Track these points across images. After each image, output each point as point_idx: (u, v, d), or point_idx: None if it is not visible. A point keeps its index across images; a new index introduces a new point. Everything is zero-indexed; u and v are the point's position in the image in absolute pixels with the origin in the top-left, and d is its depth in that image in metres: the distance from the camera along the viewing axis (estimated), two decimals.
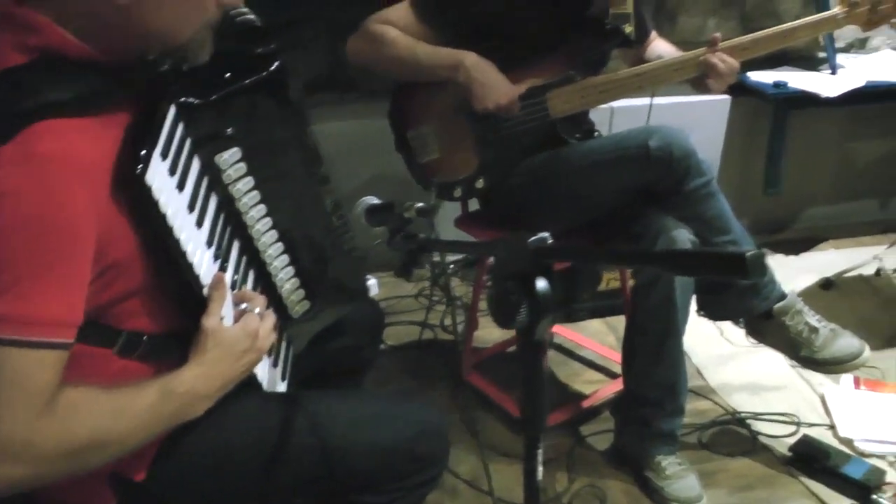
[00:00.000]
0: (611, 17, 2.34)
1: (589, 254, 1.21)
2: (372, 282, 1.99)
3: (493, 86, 2.23)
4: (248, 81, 1.34)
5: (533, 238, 1.06)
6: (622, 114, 3.15)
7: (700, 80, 2.26)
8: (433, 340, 2.96)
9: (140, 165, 1.17)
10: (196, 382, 1.27)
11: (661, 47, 2.51)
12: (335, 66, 3.37)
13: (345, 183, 3.11)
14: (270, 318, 1.43)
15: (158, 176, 1.21)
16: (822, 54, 3.61)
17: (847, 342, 2.31)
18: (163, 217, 1.22)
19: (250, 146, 1.38)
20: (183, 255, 1.27)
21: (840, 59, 3.59)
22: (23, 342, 1.07)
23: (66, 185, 1.10)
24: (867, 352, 2.31)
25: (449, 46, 2.27)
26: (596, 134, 2.48)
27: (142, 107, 1.24)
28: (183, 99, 1.28)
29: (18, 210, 1.06)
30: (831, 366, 2.32)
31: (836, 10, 2.28)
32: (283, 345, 1.62)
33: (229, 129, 1.35)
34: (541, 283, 1.07)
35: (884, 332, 2.97)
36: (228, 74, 1.33)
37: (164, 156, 1.23)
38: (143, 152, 1.18)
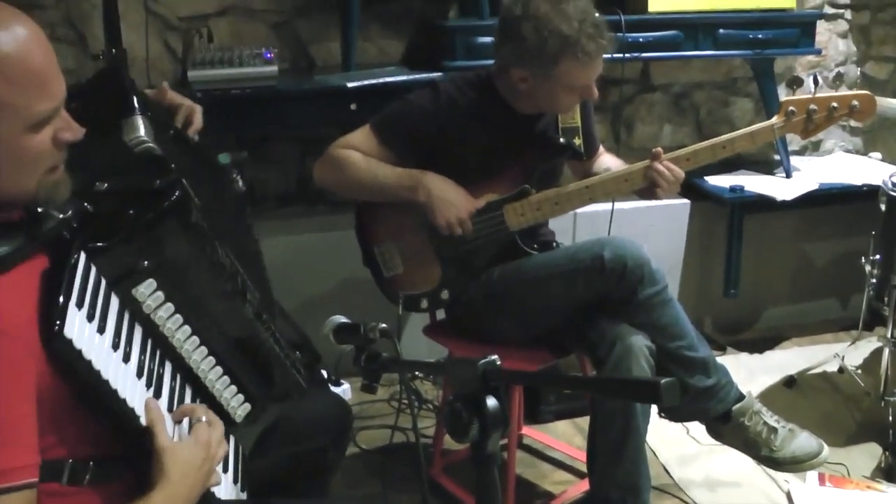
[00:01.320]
0: (560, 131, 2.48)
1: (532, 377, 1.29)
2: (345, 387, 2.05)
3: (452, 201, 2.35)
4: (151, 215, 1.36)
5: (483, 360, 1.15)
6: (585, 219, 3.26)
7: (647, 189, 2.39)
8: (404, 444, 3.00)
9: (58, 322, 1.22)
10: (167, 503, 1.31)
11: (608, 161, 2.65)
12: (304, 180, 3.50)
13: (312, 292, 3.20)
14: (219, 424, 1.47)
15: (77, 326, 1.25)
16: (776, 157, 3.77)
17: (805, 442, 2.39)
18: (88, 363, 1.26)
19: (164, 275, 1.41)
20: (114, 393, 1.31)
21: (794, 161, 3.75)
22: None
23: (6, 350, 1.17)
24: (825, 451, 2.39)
25: (409, 167, 2.39)
26: (555, 245, 2.59)
27: (54, 254, 1.28)
28: (91, 244, 1.32)
29: None
30: (791, 465, 2.39)
31: (773, 119, 2.43)
32: (231, 447, 1.65)
33: (140, 263, 1.38)
34: (490, 402, 1.16)
35: (847, 429, 3.05)
36: (132, 211, 1.35)
37: (80, 305, 1.27)
38: (59, 308, 1.22)
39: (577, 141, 2.50)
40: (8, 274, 1.21)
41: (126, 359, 1.36)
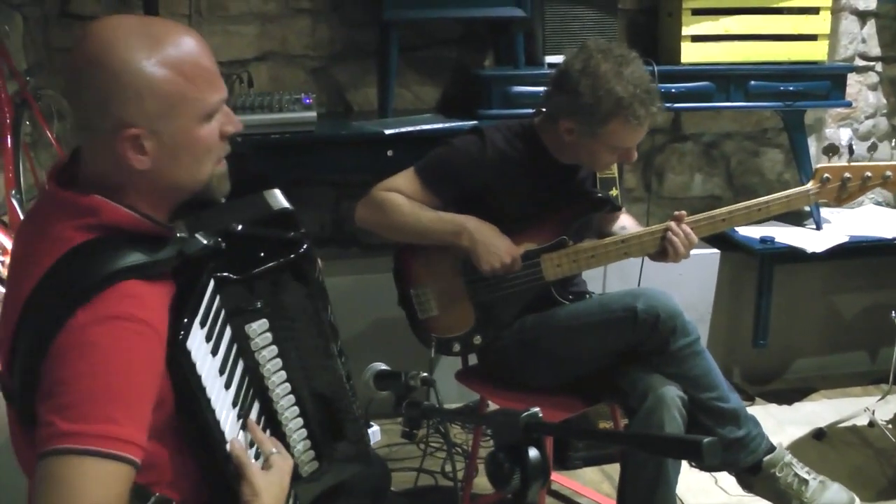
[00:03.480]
0: (598, 182, 2.53)
1: (574, 431, 1.31)
2: (374, 429, 2.07)
3: (496, 246, 2.38)
4: (278, 261, 1.47)
5: (525, 413, 1.17)
6: (615, 268, 3.25)
7: (660, 252, 2.44)
8: (433, 487, 3.01)
9: (182, 332, 1.32)
10: None
11: (624, 220, 2.69)
12: (337, 223, 3.55)
13: (344, 334, 3.21)
14: (288, 457, 1.54)
15: (196, 342, 1.35)
16: (807, 208, 3.77)
17: (837, 495, 2.38)
18: (198, 378, 1.35)
19: (276, 319, 1.50)
20: (212, 412, 1.38)
21: (825, 213, 3.74)
22: (103, 453, 1.20)
23: (149, 338, 1.27)
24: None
25: (452, 211, 2.43)
26: (587, 296, 2.61)
27: (183, 278, 1.39)
28: (220, 274, 1.43)
29: (102, 357, 1.24)
30: None
31: (808, 185, 2.48)
32: (290, 502, 1.69)
33: (259, 303, 1.47)
34: (532, 453, 1.18)
35: (877, 485, 3.02)
36: (262, 254, 1.47)
37: (203, 324, 1.37)
38: (186, 321, 1.33)
39: (615, 192, 2.54)
40: (153, 283, 1.33)
41: (227, 386, 1.44)
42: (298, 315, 1.53)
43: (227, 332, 1.45)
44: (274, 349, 1.52)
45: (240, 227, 1.47)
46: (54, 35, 3.25)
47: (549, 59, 3.27)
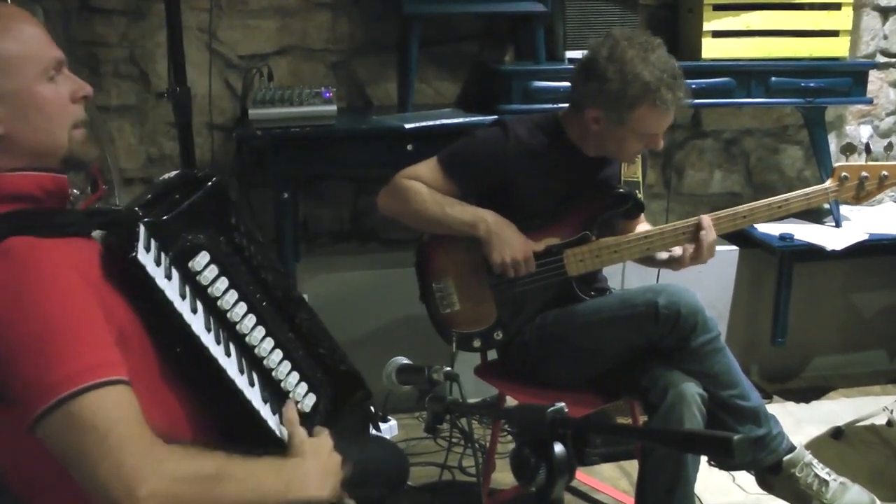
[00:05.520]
0: (622, 183, 2.52)
1: (602, 427, 1.31)
2: (392, 423, 2.07)
3: (511, 241, 2.38)
4: (196, 195, 1.52)
5: (552, 408, 1.17)
6: (634, 264, 3.26)
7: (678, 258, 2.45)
8: (452, 482, 3.02)
9: (132, 252, 1.35)
10: (304, 465, 1.44)
11: (643, 228, 2.66)
12: (357, 217, 3.55)
13: (363, 329, 3.24)
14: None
15: (148, 261, 1.37)
16: (826, 205, 3.75)
17: (858, 496, 2.38)
18: (161, 292, 1.38)
19: (214, 248, 1.53)
20: (187, 325, 1.40)
21: (844, 210, 3.72)
22: (96, 385, 1.22)
23: (49, 264, 1.28)
24: None
25: (474, 203, 2.43)
26: (608, 292, 2.61)
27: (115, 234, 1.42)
28: (147, 219, 1.45)
29: (21, 296, 1.25)
30: None
31: (827, 184, 2.48)
32: None
33: (192, 237, 1.50)
34: (558, 448, 1.18)
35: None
36: (178, 196, 1.52)
37: (147, 249, 1.39)
38: (129, 242, 1.36)
39: (639, 195, 2.53)
40: (58, 240, 1.34)
41: (194, 311, 1.45)
42: (233, 240, 1.58)
43: (175, 273, 1.46)
44: (224, 280, 1.53)
45: (149, 195, 1.53)
46: (75, 28, 3.26)
47: (570, 54, 3.27)
